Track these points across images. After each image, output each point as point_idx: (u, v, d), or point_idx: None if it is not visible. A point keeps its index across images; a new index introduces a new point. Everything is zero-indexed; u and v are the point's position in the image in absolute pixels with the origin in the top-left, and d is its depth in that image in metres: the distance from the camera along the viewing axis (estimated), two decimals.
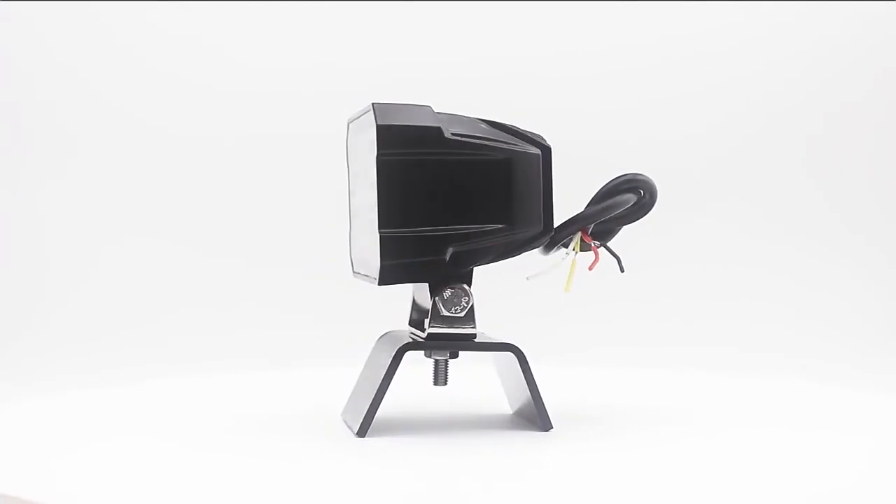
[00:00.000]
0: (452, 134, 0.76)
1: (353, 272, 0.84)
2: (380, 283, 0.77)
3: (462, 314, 0.78)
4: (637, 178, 0.80)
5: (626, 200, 0.80)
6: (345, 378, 0.86)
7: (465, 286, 0.78)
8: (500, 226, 0.77)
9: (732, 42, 1.34)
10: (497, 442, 0.78)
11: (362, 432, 0.77)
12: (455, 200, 0.76)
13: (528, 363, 0.79)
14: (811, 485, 0.69)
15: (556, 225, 0.79)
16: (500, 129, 0.79)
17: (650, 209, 0.81)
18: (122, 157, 1.29)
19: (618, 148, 1.27)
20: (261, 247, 1.28)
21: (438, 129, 0.75)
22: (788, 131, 1.33)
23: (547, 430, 0.80)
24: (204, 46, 1.32)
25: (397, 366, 0.78)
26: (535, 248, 0.79)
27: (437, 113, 0.77)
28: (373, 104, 0.76)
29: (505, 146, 0.77)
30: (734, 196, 1.32)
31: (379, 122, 0.75)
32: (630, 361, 1.14)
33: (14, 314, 1.22)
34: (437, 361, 0.82)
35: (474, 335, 0.79)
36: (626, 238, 0.82)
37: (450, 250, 0.76)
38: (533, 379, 0.79)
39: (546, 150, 0.78)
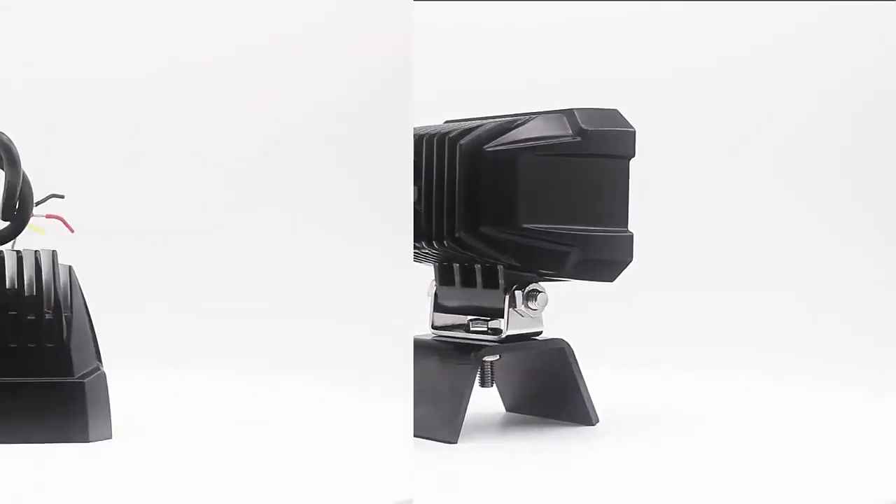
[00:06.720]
0: None
1: None
2: None
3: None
4: None
5: None
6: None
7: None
8: None
9: (733, 42, 1.34)
10: (506, 442, 0.78)
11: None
12: None
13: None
14: (813, 485, 0.69)
15: None
16: None
17: None
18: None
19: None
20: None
21: None
22: (792, 129, 1.33)
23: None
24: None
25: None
26: None
27: None
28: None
29: None
30: (733, 194, 1.31)
31: None
32: (626, 362, 1.13)
33: None
34: (487, 363, 0.82)
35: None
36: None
37: None
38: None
39: None
